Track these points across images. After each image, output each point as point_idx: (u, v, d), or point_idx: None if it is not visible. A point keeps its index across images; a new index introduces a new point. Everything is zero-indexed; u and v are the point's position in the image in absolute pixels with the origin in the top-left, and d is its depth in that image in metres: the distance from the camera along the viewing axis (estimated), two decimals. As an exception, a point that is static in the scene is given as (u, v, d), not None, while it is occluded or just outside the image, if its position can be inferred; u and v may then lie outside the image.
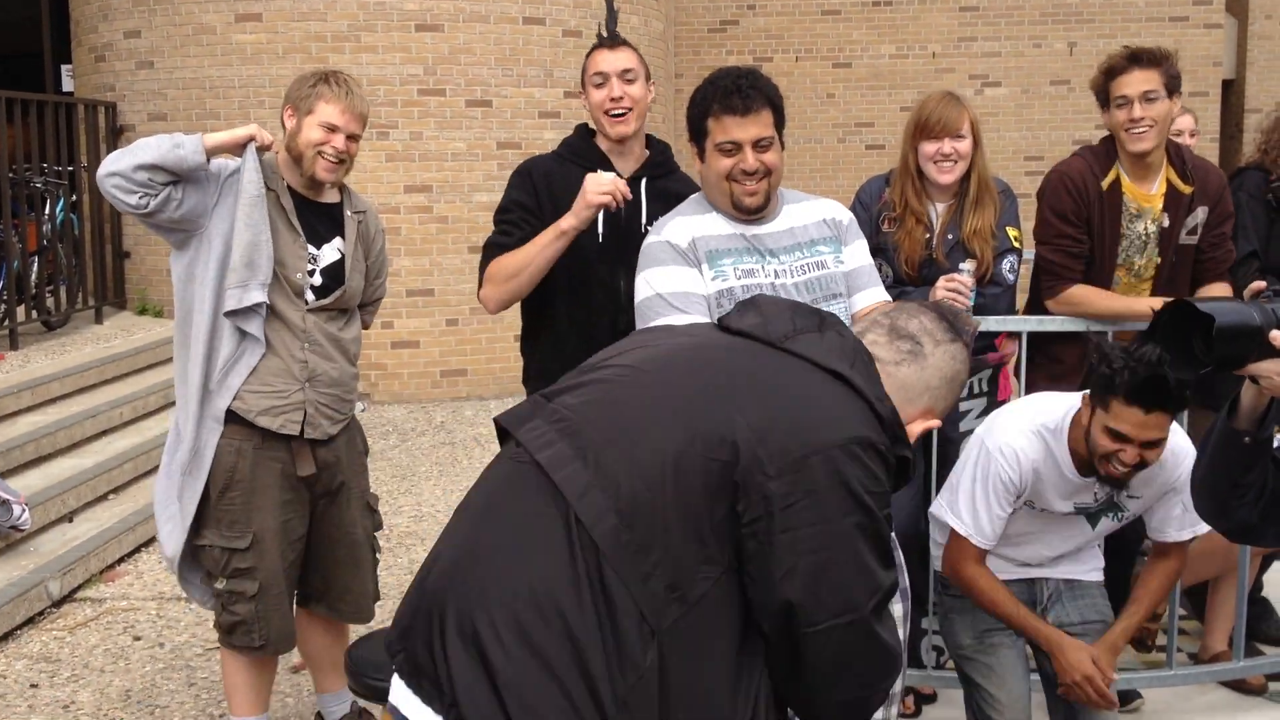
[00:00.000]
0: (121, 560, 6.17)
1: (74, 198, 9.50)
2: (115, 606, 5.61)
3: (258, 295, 3.66)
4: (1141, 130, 4.07)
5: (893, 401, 1.92)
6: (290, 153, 3.80)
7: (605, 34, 3.84)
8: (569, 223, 3.49)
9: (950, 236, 4.09)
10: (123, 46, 10.18)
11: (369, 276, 4.02)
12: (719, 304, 3.17)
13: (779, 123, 3.25)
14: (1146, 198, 4.18)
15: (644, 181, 3.73)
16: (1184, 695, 4.43)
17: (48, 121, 8.96)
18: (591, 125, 3.82)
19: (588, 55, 3.79)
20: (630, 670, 1.71)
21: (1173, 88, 4.10)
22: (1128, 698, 4.31)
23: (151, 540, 6.45)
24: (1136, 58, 4.10)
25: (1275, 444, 2.36)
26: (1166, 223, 4.19)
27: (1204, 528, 3.52)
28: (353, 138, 3.78)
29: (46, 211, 8.89)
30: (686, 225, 3.30)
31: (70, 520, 6.23)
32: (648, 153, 3.80)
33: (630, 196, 3.51)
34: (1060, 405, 3.37)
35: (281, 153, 3.84)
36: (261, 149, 3.72)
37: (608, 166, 3.71)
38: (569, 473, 1.80)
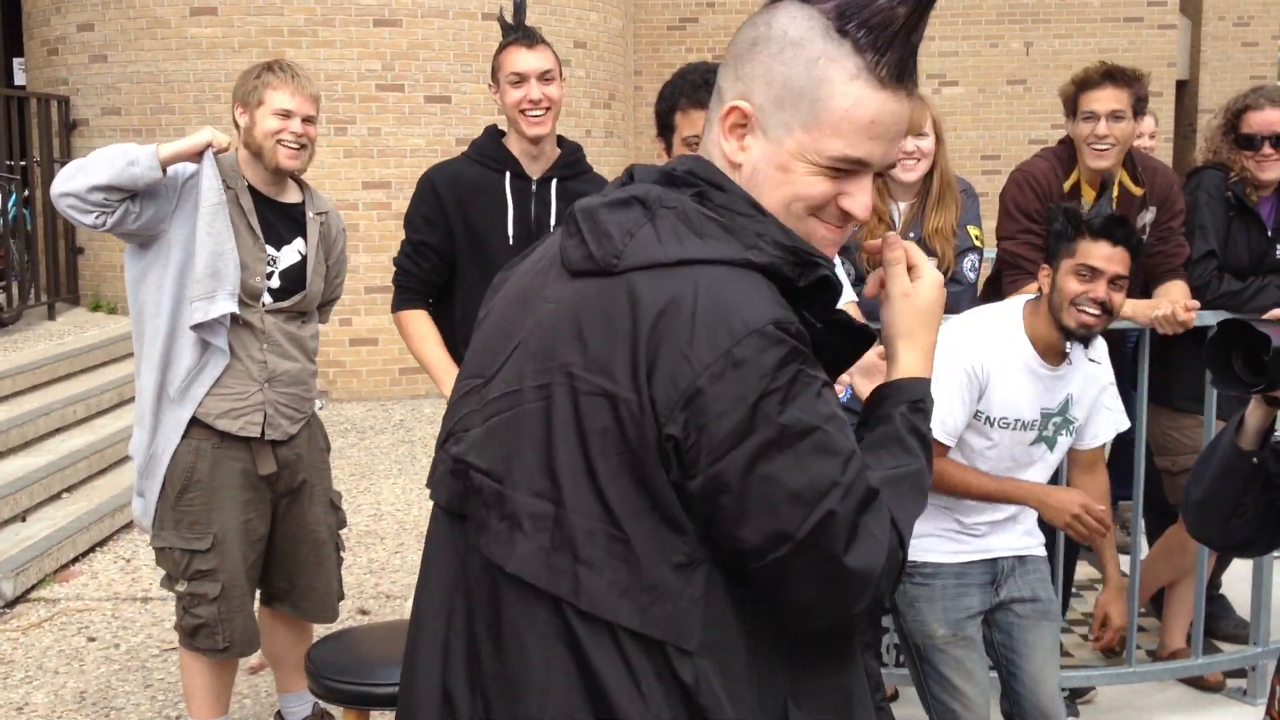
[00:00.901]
0: (76, 560, 6.10)
1: (26, 193, 9.38)
2: (69, 607, 5.54)
3: (225, 306, 3.61)
4: (1103, 148, 4.15)
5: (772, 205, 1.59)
6: (249, 149, 3.75)
7: (513, 25, 3.83)
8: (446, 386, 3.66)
9: (912, 234, 4.10)
10: (76, 40, 10.06)
11: (328, 277, 3.99)
12: None
13: None
14: None
15: (554, 182, 3.79)
16: (1142, 692, 4.47)
17: (-1, 115, 8.85)
18: (500, 125, 3.85)
19: (501, 49, 3.79)
20: (668, 707, 1.50)
21: (1139, 109, 4.17)
22: (1080, 692, 4.34)
23: (106, 540, 6.38)
24: (1111, 75, 4.15)
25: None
26: None
27: (1125, 424, 3.58)
28: (309, 120, 3.74)
29: (-2, 206, 8.78)
30: None
31: (23, 519, 6.14)
32: (559, 152, 3.82)
33: None
34: (1007, 310, 3.47)
35: (241, 150, 3.79)
36: (219, 153, 3.67)
37: (517, 168, 3.76)
38: (509, 550, 1.54)
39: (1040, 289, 3.37)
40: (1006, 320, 3.42)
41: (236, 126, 3.78)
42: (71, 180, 3.50)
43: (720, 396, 1.45)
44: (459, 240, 3.75)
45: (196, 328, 3.61)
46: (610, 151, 11.27)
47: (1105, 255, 3.25)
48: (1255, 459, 2.36)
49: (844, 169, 1.57)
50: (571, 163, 3.85)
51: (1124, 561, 4.73)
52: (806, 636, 1.59)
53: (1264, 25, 15.94)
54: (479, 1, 9.95)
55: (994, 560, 3.41)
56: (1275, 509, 2.40)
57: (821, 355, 1.57)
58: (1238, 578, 4.95)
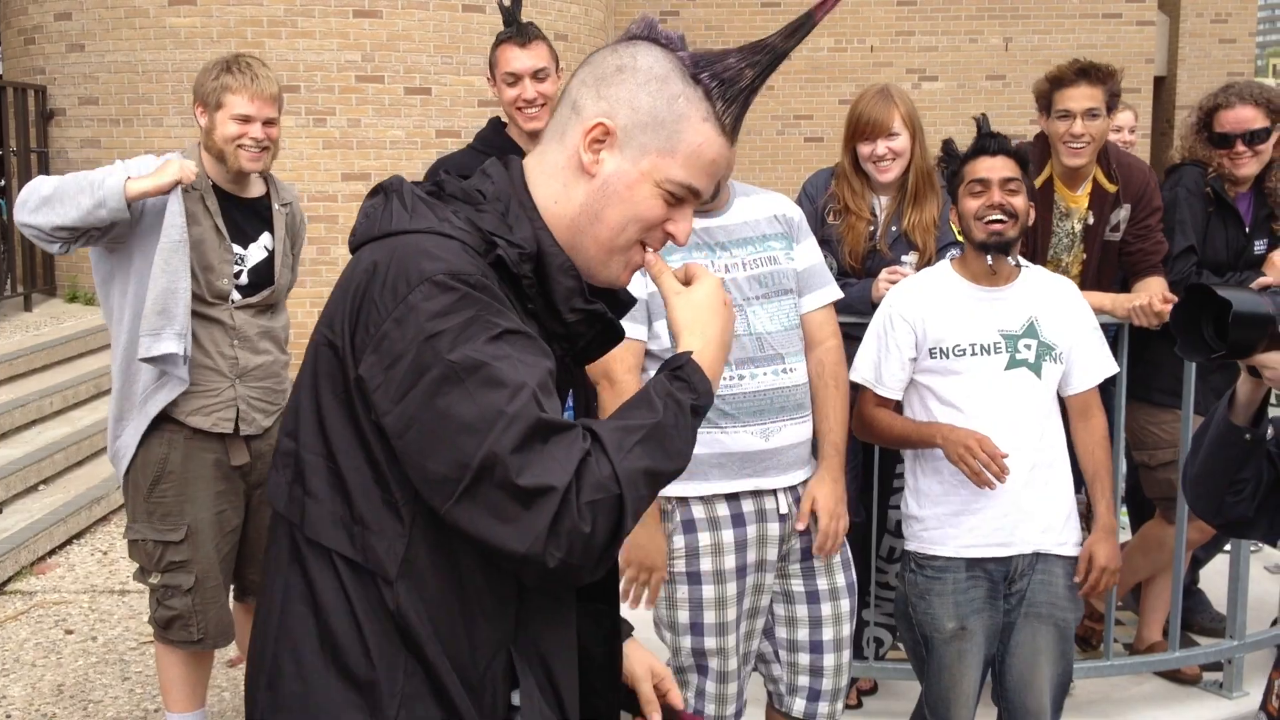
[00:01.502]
0: (53, 552, 6.07)
1: (2, 183, 9.32)
2: (46, 600, 5.51)
3: (169, 346, 3.57)
4: (1079, 146, 4.18)
5: (538, 201, 1.79)
6: (210, 151, 3.72)
7: (509, 19, 3.82)
8: None
9: (894, 228, 4.10)
10: (53, 29, 9.99)
11: (294, 265, 3.98)
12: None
13: None
14: (1074, 198, 4.30)
15: None
16: (1120, 685, 4.49)
17: (-25, 104, 8.78)
18: (503, 117, 3.89)
19: (497, 45, 3.80)
20: (381, 631, 1.69)
21: (1112, 105, 4.22)
22: None
23: (83, 532, 6.34)
24: (1085, 72, 4.18)
25: (1270, 435, 2.36)
26: (1091, 220, 4.28)
27: (1113, 368, 3.57)
28: (270, 123, 3.69)
29: (-26, 196, 8.72)
30: None
31: (-1, 512, 6.12)
32: None
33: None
34: (933, 266, 3.62)
35: (203, 150, 3.75)
36: (188, 186, 3.62)
37: (523, 156, 3.72)
38: (270, 482, 1.81)
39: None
40: (934, 269, 3.58)
41: (198, 124, 3.74)
42: (35, 214, 3.47)
43: (399, 339, 1.62)
44: None
45: (146, 360, 3.59)
46: (590, 144, 11.25)
47: (986, 165, 3.38)
48: (1248, 435, 2.33)
49: (680, 196, 1.78)
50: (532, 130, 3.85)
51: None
52: (531, 590, 1.75)
53: (1241, 22, 16.02)
54: (459, -7, 9.93)
55: (1008, 559, 3.40)
56: (1277, 489, 2.36)
57: (572, 343, 1.80)
58: (1215, 572, 4.98)
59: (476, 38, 10.02)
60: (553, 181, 1.80)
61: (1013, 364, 3.37)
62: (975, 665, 3.40)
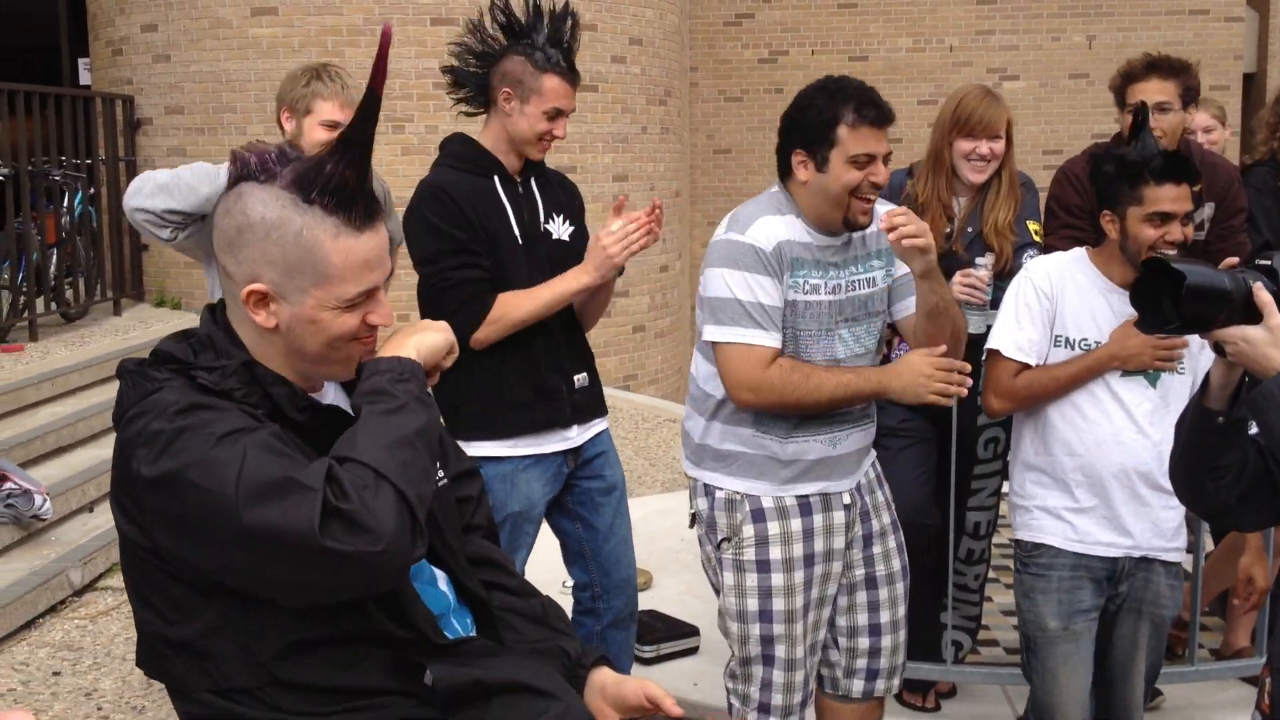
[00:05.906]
0: (141, 552, 6.18)
1: (92, 190, 9.53)
2: (135, 598, 5.63)
3: None
4: None
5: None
6: None
7: (555, 41, 3.62)
8: (589, 279, 3.54)
9: (970, 229, 4.08)
10: (139, 40, 10.21)
11: (392, 246, 4.00)
12: (785, 315, 3.15)
13: None
14: None
15: (533, 180, 3.72)
16: (1205, 691, 4.42)
17: (65, 115, 8.98)
18: (468, 134, 3.75)
19: (544, 70, 3.56)
20: None
21: (1188, 99, 4.11)
22: (1148, 695, 4.29)
23: (170, 532, 6.47)
24: (1155, 66, 4.10)
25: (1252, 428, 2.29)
26: None
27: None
28: None
29: (65, 204, 8.92)
30: (772, 228, 3.16)
31: (91, 510, 6.25)
32: None
33: (658, 217, 3.57)
34: (1069, 252, 3.49)
35: None
36: None
37: (501, 170, 3.64)
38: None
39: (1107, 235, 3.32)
40: (1070, 255, 3.46)
41: (281, 130, 3.77)
42: (150, 198, 3.51)
43: (148, 495, 1.83)
44: (480, 246, 3.57)
45: None
46: (666, 148, 11.27)
47: (1173, 197, 3.20)
48: (1221, 418, 2.26)
49: (362, 300, 1.90)
50: (539, 160, 3.76)
51: (1186, 560, 4.68)
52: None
53: (1333, 16, 15.69)
54: (537, -1, 9.98)
55: (1114, 559, 3.38)
56: (1265, 479, 2.29)
57: (320, 436, 1.91)
58: (1303, 576, 4.89)
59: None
60: (247, 331, 1.92)
61: (1129, 371, 3.34)
62: (1080, 669, 3.39)
